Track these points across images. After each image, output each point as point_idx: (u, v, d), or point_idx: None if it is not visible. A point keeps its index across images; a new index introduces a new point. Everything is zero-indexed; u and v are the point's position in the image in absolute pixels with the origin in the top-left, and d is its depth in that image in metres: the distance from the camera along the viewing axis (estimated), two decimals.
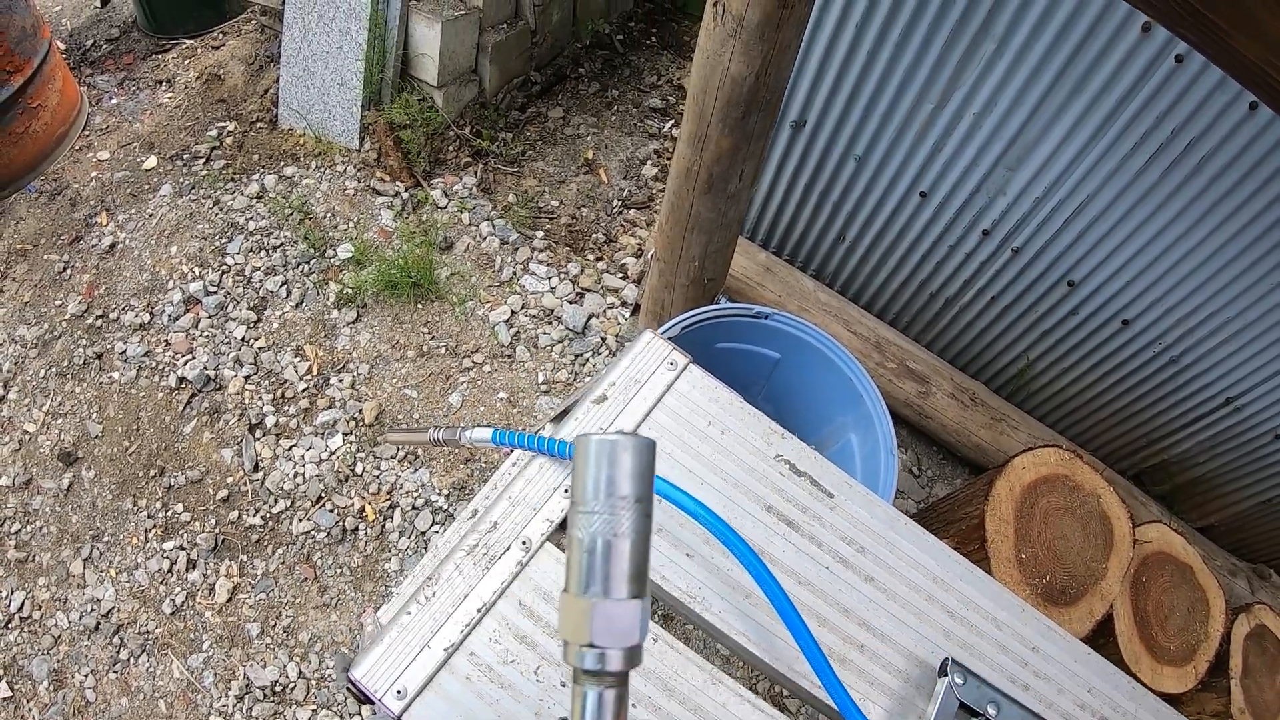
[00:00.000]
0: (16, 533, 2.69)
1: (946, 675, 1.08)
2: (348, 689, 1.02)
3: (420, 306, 3.10)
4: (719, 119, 1.96)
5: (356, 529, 2.68)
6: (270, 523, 2.69)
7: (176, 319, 3.00)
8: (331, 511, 2.70)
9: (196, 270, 3.10)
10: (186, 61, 3.74)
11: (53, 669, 2.49)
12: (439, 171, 3.47)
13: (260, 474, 2.76)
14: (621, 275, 3.27)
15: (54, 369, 2.93)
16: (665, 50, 4.24)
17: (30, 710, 2.44)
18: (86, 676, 2.47)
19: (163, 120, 3.50)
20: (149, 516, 2.69)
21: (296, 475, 2.75)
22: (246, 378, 2.91)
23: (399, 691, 0.95)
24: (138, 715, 2.42)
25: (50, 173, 3.38)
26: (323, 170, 3.38)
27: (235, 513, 2.70)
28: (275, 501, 2.72)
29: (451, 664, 0.97)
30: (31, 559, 2.65)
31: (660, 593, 1.07)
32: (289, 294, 3.08)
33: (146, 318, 3.01)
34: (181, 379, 2.89)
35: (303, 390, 2.90)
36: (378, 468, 2.77)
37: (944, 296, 2.88)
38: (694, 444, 1.15)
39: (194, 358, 2.93)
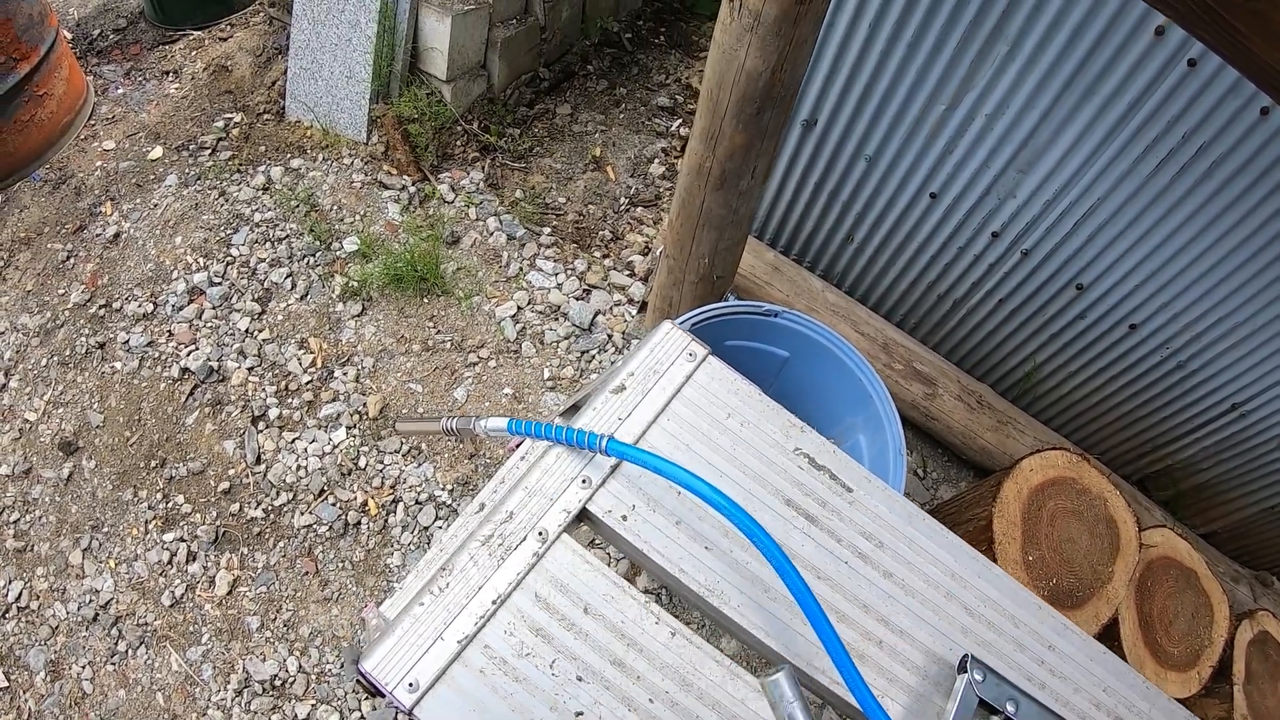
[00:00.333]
0: (15, 522, 2.67)
1: (966, 672, 1.08)
2: (358, 681, 1.01)
3: (426, 301, 3.09)
4: (733, 114, 1.95)
5: (359, 523, 2.67)
6: (272, 515, 2.67)
7: (180, 309, 2.99)
8: (334, 505, 2.68)
9: (201, 261, 3.08)
10: (194, 53, 3.72)
11: (50, 659, 2.47)
12: (446, 166, 3.46)
13: (262, 466, 2.74)
14: (628, 273, 3.26)
15: (56, 358, 2.91)
16: (674, 49, 4.23)
17: (27, 701, 2.42)
18: (84, 668, 2.45)
19: (169, 111, 3.49)
20: (149, 508, 2.67)
21: (299, 468, 2.74)
22: (250, 369, 2.89)
23: (411, 684, 0.93)
24: (135, 707, 2.40)
25: (55, 161, 3.37)
26: (329, 163, 3.36)
27: (236, 505, 2.68)
28: (277, 494, 2.70)
29: (465, 657, 0.96)
30: (30, 549, 2.63)
31: (679, 586, 1.06)
32: (294, 286, 3.07)
33: (150, 308, 2.99)
34: (184, 370, 2.87)
35: (306, 383, 2.88)
36: (381, 462, 2.76)
37: (952, 298, 2.87)
38: (713, 436, 1.14)
39: (197, 349, 2.91)
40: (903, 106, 2.44)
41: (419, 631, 0.96)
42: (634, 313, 3.14)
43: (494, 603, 0.98)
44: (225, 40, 3.75)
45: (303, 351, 2.94)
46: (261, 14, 3.81)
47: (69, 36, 3.81)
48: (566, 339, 3.07)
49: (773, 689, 0.95)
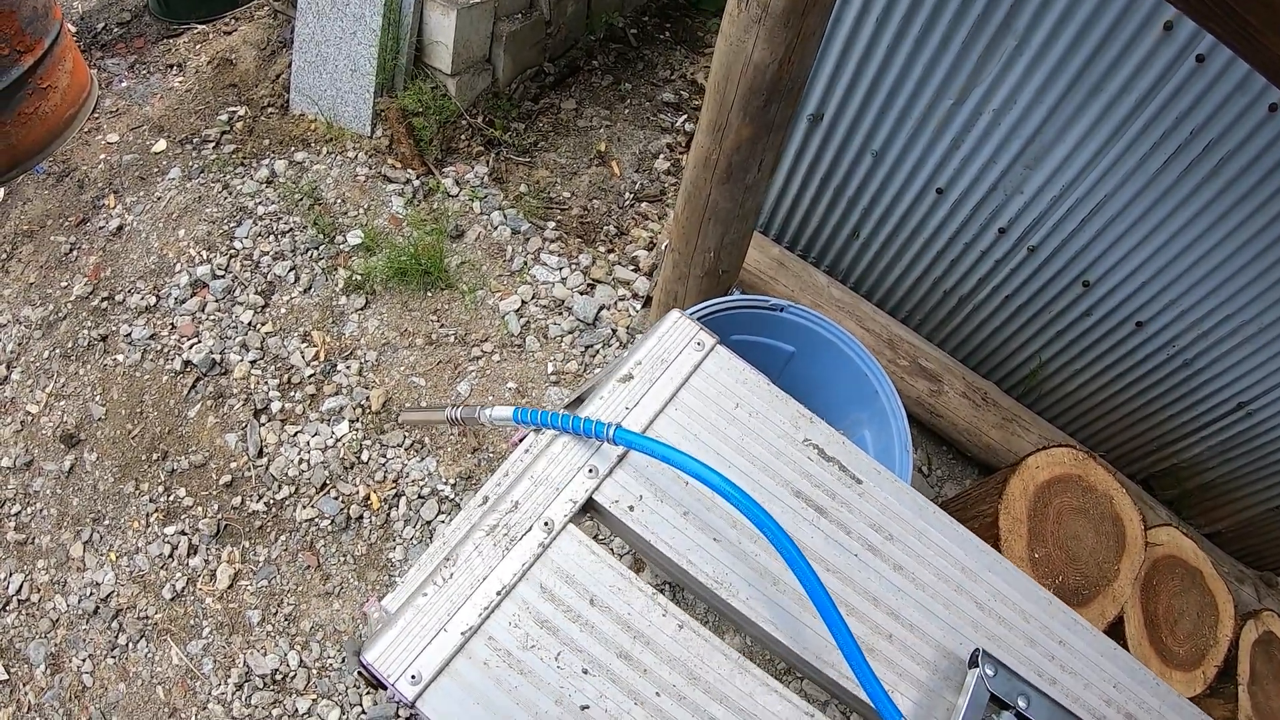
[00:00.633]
0: (16, 514, 2.66)
1: (978, 666, 1.07)
2: (360, 673, 0.99)
3: (430, 294, 3.08)
4: (740, 107, 1.94)
5: (361, 517, 2.66)
6: (273, 509, 2.66)
7: (183, 302, 2.98)
8: (336, 499, 2.67)
9: (204, 254, 3.07)
10: (198, 46, 3.71)
11: (50, 653, 2.46)
12: (451, 160, 3.45)
13: (264, 460, 2.73)
14: (633, 268, 3.24)
15: (58, 350, 2.90)
16: (679, 45, 4.22)
17: (26, 694, 2.41)
18: (84, 661, 2.45)
19: (173, 104, 3.48)
20: (151, 500, 2.66)
21: (301, 462, 2.73)
22: (252, 363, 2.88)
23: (413, 677, 0.92)
24: (135, 701, 2.40)
25: (59, 154, 3.36)
26: (334, 156, 3.35)
27: (238, 498, 2.67)
28: (279, 488, 2.69)
29: (469, 649, 0.95)
30: (31, 541, 2.62)
31: (686, 578, 1.05)
32: (297, 279, 3.06)
33: (152, 300, 2.98)
34: (187, 363, 2.86)
35: (309, 376, 2.87)
36: (384, 455, 2.75)
37: (958, 295, 2.86)
38: (722, 426, 1.12)
39: (200, 341, 2.91)
40: (909, 101, 2.42)
41: (422, 623, 0.95)
42: (638, 307, 3.13)
43: (499, 594, 0.97)
44: (229, 34, 3.73)
45: (305, 345, 2.93)
46: (265, 7, 3.80)
47: (73, 29, 3.80)
48: (570, 333, 3.06)
49: None
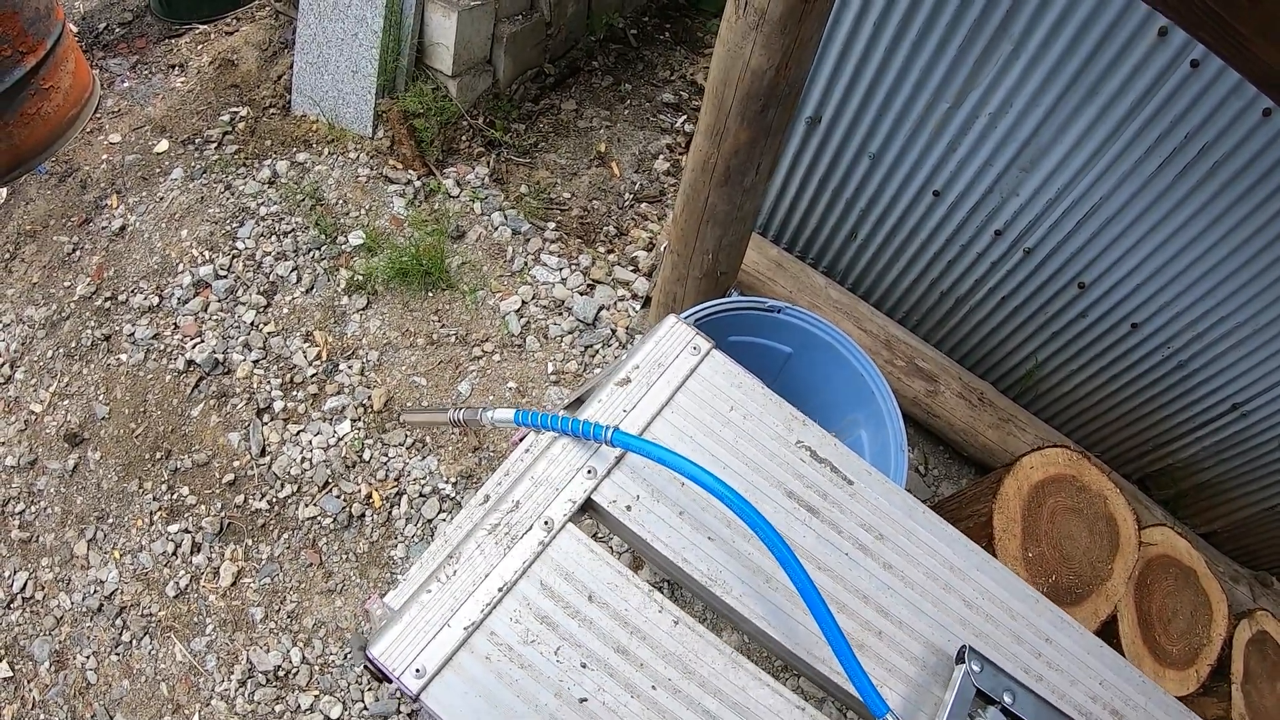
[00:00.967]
0: (20, 513, 2.69)
1: (964, 663, 1.09)
2: (365, 667, 1.02)
3: (431, 295, 3.10)
4: (738, 111, 1.96)
5: (363, 515, 2.68)
6: (276, 507, 2.69)
7: (186, 302, 3.00)
8: (338, 497, 2.70)
9: (207, 254, 3.10)
10: (199, 46, 3.73)
11: (54, 650, 2.48)
12: (451, 161, 3.47)
13: (267, 458, 2.76)
14: (632, 268, 3.27)
15: (61, 350, 2.93)
16: (678, 45, 4.24)
17: (31, 691, 2.44)
18: (88, 658, 2.47)
19: (175, 104, 3.50)
20: (154, 499, 2.69)
21: (304, 460, 2.75)
22: (255, 362, 2.91)
23: (418, 670, 0.95)
24: (139, 697, 2.42)
25: (61, 155, 3.38)
26: (335, 157, 3.38)
27: (241, 497, 2.70)
28: (282, 486, 2.72)
29: (471, 643, 0.97)
30: (35, 539, 2.65)
31: (682, 576, 1.07)
32: (299, 279, 3.08)
33: (155, 300, 3.00)
34: (190, 362, 2.89)
35: (311, 376, 2.90)
36: (385, 454, 2.78)
37: (954, 296, 2.88)
38: (716, 429, 1.15)
39: (203, 341, 2.93)
40: (906, 104, 2.45)
41: (426, 618, 0.97)
42: (638, 308, 3.16)
43: (500, 590, 1.00)
44: (231, 34, 3.76)
45: (308, 345, 2.96)
46: (267, 8, 3.82)
47: (74, 30, 3.82)
48: (570, 334, 3.08)
49: None
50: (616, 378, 1.15)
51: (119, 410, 2.82)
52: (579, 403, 1.80)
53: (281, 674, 2.44)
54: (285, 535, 2.65)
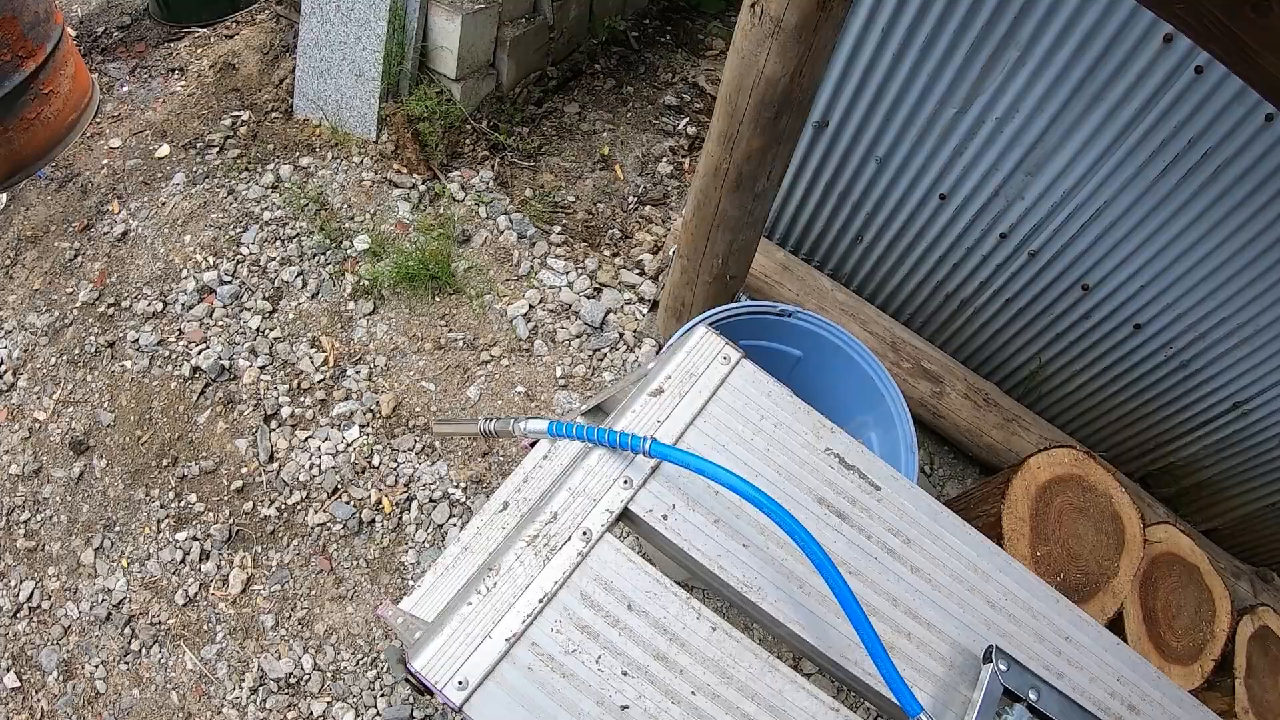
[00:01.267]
0: (26, 521, 2.68)
1: (991, 662, 1.11)
2: (406, 680, 1.03)
3: (437, 299, 3.10)
4: (751, 119, 1.98)
5: (373, 521, 2.69)
6: (285, 514, 2.69)
7: (190, 308, 2.99)
8: (348, 503, 2.70)
9: (211, 259, 3.09)
10: (199, 50, 3.72)
11: (62, 659, 2.48)
12: (456, 164, 3.47)
13: (275, 465, 2.76)
14: (638, 271, 3.28)
15: (65, 357, 2.92)
16: (680, 48, 4.25)
17: (39, 701, 2.43)
18: (97, 667, 2.47)
19: (175, 108, 3.49)
20: (161, 506, 2.69)
21: (312, 466, 2.76)
22: (262, 368, 2.91)
23: (460, 682, 0.96)
24: (149, 706, 2.42)
25: (61, 160, 3.36)
26: (339, 161, 3.37)
27: (250, 503, 2.70)
28: (290, 493, 2.72)
29: (513, 654, 0.98)
30: (41, 548, 2.64)
31: (718, 583, 1.09)
32: (305, 285, 3.08)
33: (159, 306, 3.00)
34: (195, 368, 2.88)
35: (319, 381, 2.90)
36: (395, 460, 2.78)
37: (959, 298, 2.90)
38: (748, 437, 1.16)
39: (208, 347, 2.92)
40: (914, 109, 2.47)
41: (467, 630, 0.98)
42: (645, 311, 3.17)
43: (540, 601, 1.01)
44: (231, 38, 3.75)
45: (315, 350, 2.96)
46: (268, 11, 3.81)
47: (73, 34, 3.80)
48: (578, 337, 3.09)
49: None
50: (650, 388, 1.16)
51: (124, 417, 2.81)
52: (599, 410, 1.81)
53: (293, 681, 2.44)
54: (295, 542, 2.65)
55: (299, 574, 2.61)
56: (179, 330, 2.96)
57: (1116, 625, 2.34)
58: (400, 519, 2.69)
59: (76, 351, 2.93)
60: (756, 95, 1.91)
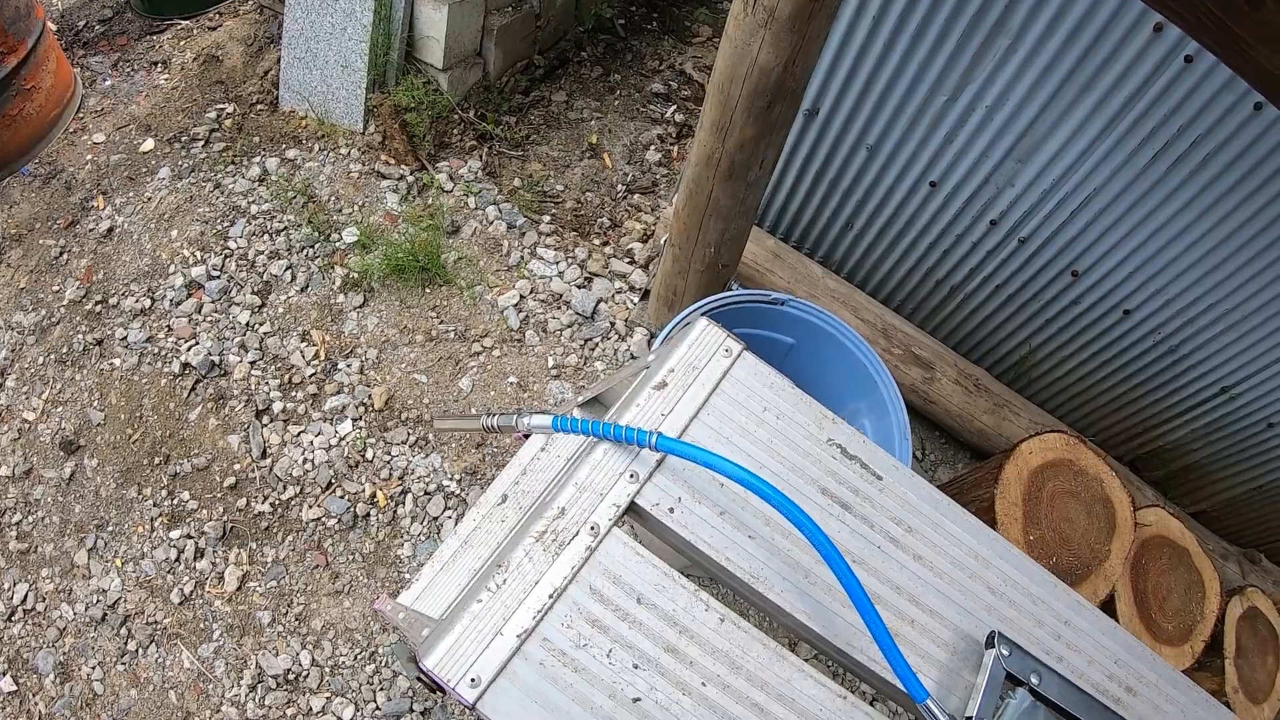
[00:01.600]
0: (18, 523, 2.66)
1: (994, 647, 1.13)
2: (418, 679, 1.03)
3: (428, 291, 3.09)
4: (744, 108, 1.98)
5: (368, 515, 2.68)
6: (280, 510, 2.68)
7: (178, 304, 2.97)
8: (342, 498, 2.69)
9: (198, 254, 3.06)
10: (182, 42, 3.67)
11: (59, 661, 2.47)
12: (444, 155, 3.45)
13: (268, 460, 2.75)
14: (629, 260, 3.28)
15: (53, 356, 2.89)
16: (667, 35, 4.23)
17: (37, 704, 2.42)
18: (94, 668, 2.46)
19: (159, 102, 3.45)
20: (154, 505, 2.67)
21: (306, 461, 2.74)
22: (252, 363, 2.89)
23: (473, 680, 0.96)
24: (148, 706, 2.41)
25: (44, 156, 3.32)
26: (326, 153, 3.35)
27: (243, 500, 2.68)
28: (284, 488, 2.71)
29: (525, 650, 0.98)
30: (34, 550, 2.62)
31: (725, 574, 1.09)
32: (294, 278, 3.06)
33: (147, 303, 2.97)
34: (185, 365, 2.86)
35: (310, 376, 2.88)
36: (389, 453, 2.77)
37: (950, 284, 2.92)
38: (752, 429, 1.17)
39: (197, 343, 2.90)
40: (905, 97, 2.47)
41: (478, 628, 0.98)
42: (636, 300, 3.17)
43: (550, 596, 1.01)
44: (214, 29, 3.70)
45: (305, 344, 2.94)
46: (251, 2, 3.77)
47: (54, 28, 3.75)
48: (570, 327, 3.09)
49: None
50: (653, 382, 1.16)
51: (114, 416, 2.79)
52: (596, 402, 1.81)
53: (292, 677, 2.44)
54: (290, 537, 2.65)
55: (294, 570, 2.60)
56: (168, 327, 2.94)
57: (1108, 608, 2.37)
58: (395, 512, 2.69)
59: (65, 350, 2.90)
60: (750, 84, 1.91)
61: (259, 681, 2.44)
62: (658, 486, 1.10)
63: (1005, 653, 1.13)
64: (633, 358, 3.06)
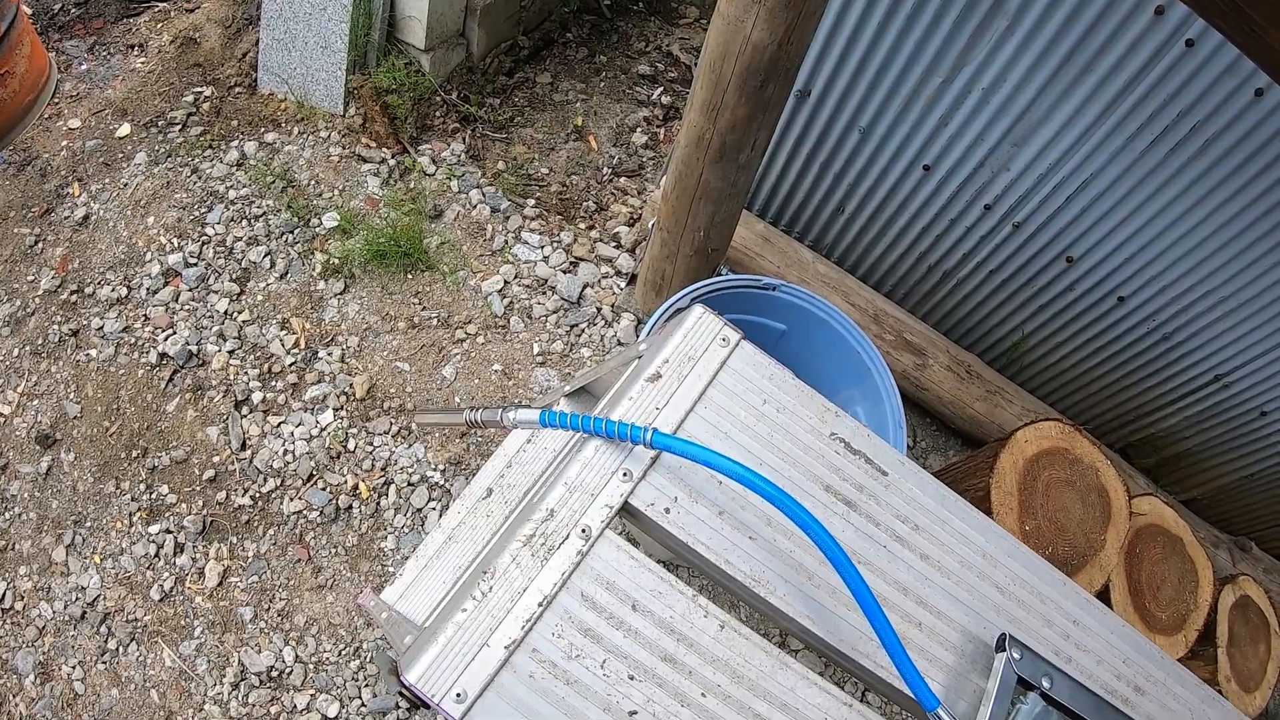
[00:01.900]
0: None
1: (1005, 650, 1.09)
2: (400, 693, 0.98)
3: (410, 277, 3.02)
4: (736, 87, 1.92)
5: (350, 507, 2.62)
6: (260, 503, 2.62)
7: (155, 292, 2.88)
8: (324, 490, 2.63)
9: (175, 241, 2.98)
10: (159, 25, 3.56)
11: (38, 661, 2.40)
12: (426, 138, 3.37)
13: (248, 452, 2.68)
14: (615, 244, 3.21)
15: (28, 347, 2.80)
16: (653, 16, 4.15)
17: (17, 705, 2.35)
18: (74, 668, 2.39)
19: (135, 86, 3.34)
20: (133, 499, 2.60)
21: (286, 453, 2.68)
22: (230, 353, 2.81)
23: (458, 695, 0.91)
24: (130, 706, 2.35)
25: (18, 142, 3.21)
26: (305, 136, 3.26)
27: (223, 493, 2.62)
28: (265, 480, 2.64)
29: (513, 662, 0.93)
30: (11, 547, 2.55)
31: (724, 578, 1.05)
32: (273, 265, 2.98)
33: (124, 291, 2.88)
34: (162, 355, 2.78)
35: (290, 365, 2.81)
36: (371, 444, 2.71)
37: (942, 269, 2.88)
38: (751, 423, 1.12)
39: (175, 333, 2.82)
40: (899, 78, 2.42)
41: (464, 639, 0.93)
42: (623, 285, 3.11)
43: (540, 605, 0.96)
44: (191, 11, 3.59)
45: (285, 332, 2.87)
46: None
47: (29, 11, 3.62)
48: (555, 313, 3.03)
49: None
50: (646, 373, 1.11)
51: (91, 408, 2.71)
52: (583, 392, 1.76)
53: (275, 674, 2.39)
54: (271, 531, 2.58)
55: (276, 564, 2.54)
56: (144, 316, 2.85)
57: (1103, 597, 2.35)
58: (378, 504, 2.63)
59: (40, 342, 2.81)
60: (742, 63, 1.85)
61: (242, 679, 2.38)
62: (653, 485, 1.05)
63: (1016, 656, 1.10)
64: (620, 344, 3.00)
